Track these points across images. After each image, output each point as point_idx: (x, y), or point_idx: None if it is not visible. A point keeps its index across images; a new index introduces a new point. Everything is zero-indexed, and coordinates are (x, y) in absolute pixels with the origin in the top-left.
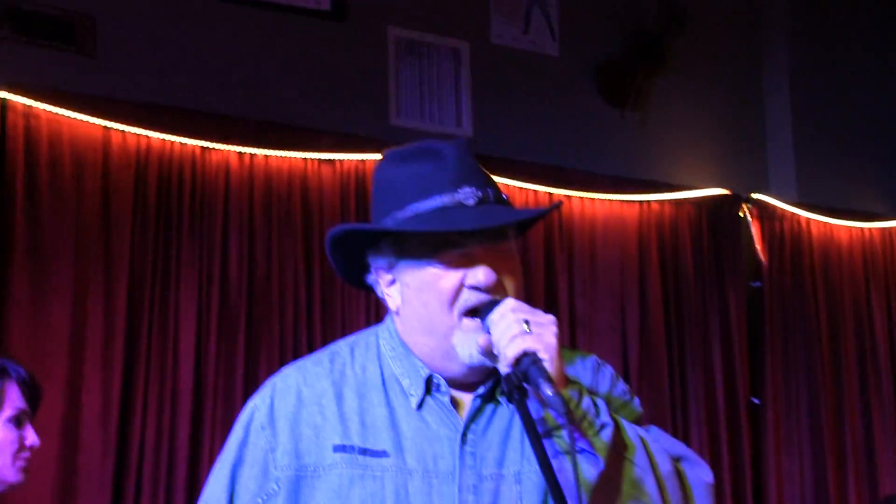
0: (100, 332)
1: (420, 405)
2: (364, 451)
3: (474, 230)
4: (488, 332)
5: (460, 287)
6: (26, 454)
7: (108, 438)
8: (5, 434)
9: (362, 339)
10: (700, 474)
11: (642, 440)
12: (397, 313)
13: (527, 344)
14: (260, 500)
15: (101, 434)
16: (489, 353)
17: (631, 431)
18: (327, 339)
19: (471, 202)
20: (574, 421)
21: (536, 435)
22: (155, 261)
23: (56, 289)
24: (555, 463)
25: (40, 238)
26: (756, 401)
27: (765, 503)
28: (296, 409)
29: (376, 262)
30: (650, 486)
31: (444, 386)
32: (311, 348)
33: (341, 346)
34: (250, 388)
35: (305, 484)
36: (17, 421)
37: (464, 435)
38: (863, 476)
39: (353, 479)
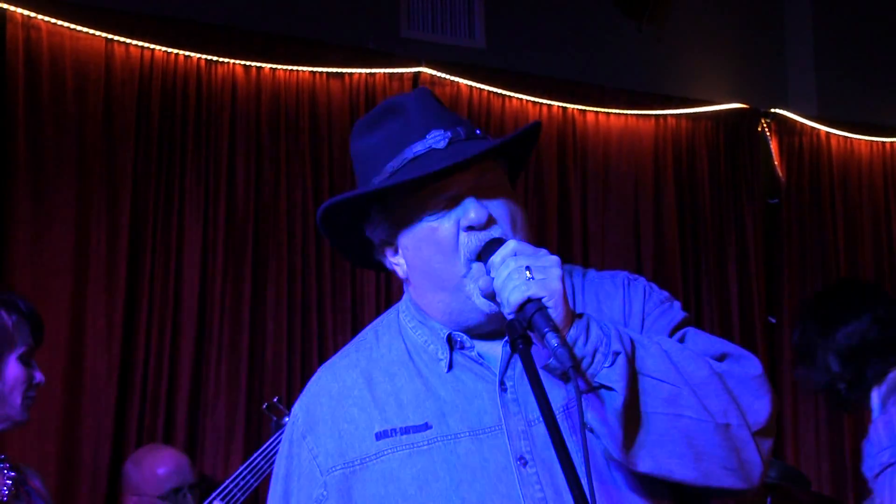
0: (103, 252)
1: (451, 366)
2: (406, 430)
3: (446, 168)
4: (490, 276)
5: (458, 232)
6: (33, 393)
7: (111, 359)
8: (19, 372)
9: (385, 320)
10: (746, 368)
11: (668, 353)
12: (407, 280)
13: (531, 291)
14: None
15: (105, 355)
16: (491, 296)
17: (653, 349)
18: (337, 258)
19: (442, 145)
20: (580, 368)
21: (540, 386)
22: (159, 178)
23: (58, 206)
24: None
25: (42, 155)
26: (772, 319)
27: (781, 422)
28: (330, 408)
29: (374, 235)
30: (687, 398)
31: (467, 341)
32: (320, 269)
33: (367, 332)
34: (257, 308)
35: (356, 479)
36: (27, 358)
37: (502, 383)
38: None
39: (402, 461)
